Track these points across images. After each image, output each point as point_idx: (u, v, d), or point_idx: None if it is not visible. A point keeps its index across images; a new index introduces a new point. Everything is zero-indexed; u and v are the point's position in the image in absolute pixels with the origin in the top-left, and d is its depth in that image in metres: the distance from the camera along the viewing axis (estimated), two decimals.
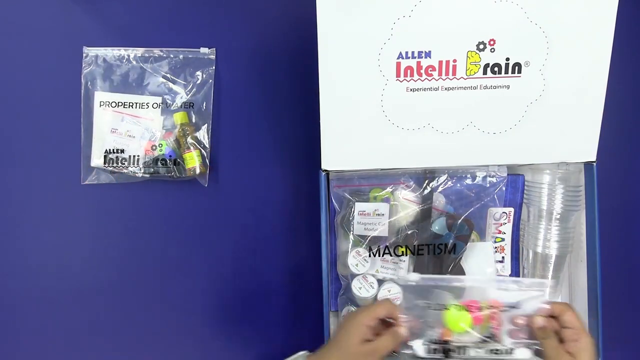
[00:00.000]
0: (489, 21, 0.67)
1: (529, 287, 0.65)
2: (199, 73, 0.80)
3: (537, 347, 0.65)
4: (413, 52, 0.68)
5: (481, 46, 0.68)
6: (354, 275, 0.76)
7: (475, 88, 0.69)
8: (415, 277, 0.66)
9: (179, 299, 0.82)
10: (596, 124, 0.72)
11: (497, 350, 0.65)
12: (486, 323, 0.65)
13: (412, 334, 0.65)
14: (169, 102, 0.80)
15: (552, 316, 0.63)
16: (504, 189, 0.77)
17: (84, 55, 0.79)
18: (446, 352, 0.65)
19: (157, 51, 0.80)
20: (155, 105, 0.80)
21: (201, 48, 0.81)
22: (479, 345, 0.65)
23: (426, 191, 0.76)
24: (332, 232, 0.78)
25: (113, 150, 0.79)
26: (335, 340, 0.64)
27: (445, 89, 0.69)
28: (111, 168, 0.79)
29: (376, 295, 0.75)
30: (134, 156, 0.78)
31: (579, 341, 0.61)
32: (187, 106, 0.80)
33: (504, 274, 0.79)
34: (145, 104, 0.79)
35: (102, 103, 0.79)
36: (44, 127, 0.80)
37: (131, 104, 0.79)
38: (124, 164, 0.78)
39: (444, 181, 0.77)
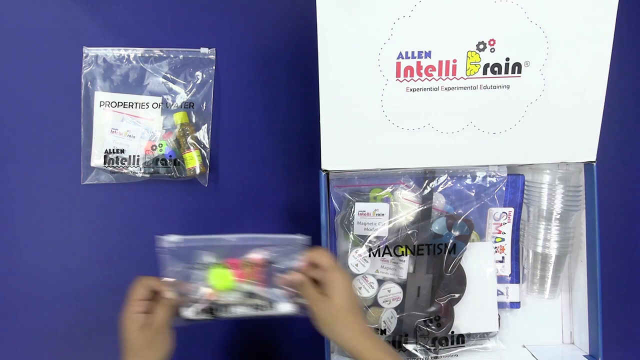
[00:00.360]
0: (489, 21, 0.67)
1: (283, 242, 0.67)
2: (199, 73, 0.80)
3: (299, 298, 0.67)
4: (413, 52, 0.68)
5: (481, 46, 0.68)
6: (354, 275, 0.76)
7: (475, 88, 0.69)
8: (175, 239, 0.66)
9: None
10: (596, 124, 0.72)
11: (259, 305, 0.67)
12: (248, 279, 0.67)
13: (184, 295, 0.66)
14: (169, 102, 0.80)
15: (314, 265, 0.66)
16: (504, 189, 0.78)
17: (84, 55, 0.79)
18: (213, 311, 0.67)
19: (157, 51, 0.80)
20: (155, 105, 0.80)
21: (201, 48, 0.81)
22: (243, 302, 0.67)
23: (426, 191, 0.76)
24: (332, 232, 0.78)
25: (113, 150, 0.78)
26: (124, 345, 0.64)
27: (445, 89, 0.69)
28: (111, 168, 0.79)
29: (376, 295, 0.75)
30: (134, 156, 0.78)
31: (333, 280, 0.63)
32: (187, 106, 0.80)
33: (504, 274, 0.80)
34: (145, 104, 0.79)
35: (102, 103, 0.79)
36: (44, 127, 0.80)
37: (131, 104, 0.79)
38: (124, 164, 0.78)
39: (444, 181, 0.77)
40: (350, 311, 0.62)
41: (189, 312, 0.67)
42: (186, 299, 0.67)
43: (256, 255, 0.67)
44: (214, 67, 0.81)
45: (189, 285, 0.67)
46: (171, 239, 0.66)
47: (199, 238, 0.67)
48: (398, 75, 0.69)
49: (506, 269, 0.80)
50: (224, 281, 0.67)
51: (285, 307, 0.68)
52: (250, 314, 0.68)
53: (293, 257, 0.67)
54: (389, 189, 0.77)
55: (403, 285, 0.76)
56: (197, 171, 0.79)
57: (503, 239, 0.79)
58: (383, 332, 0.75)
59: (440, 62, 0.68)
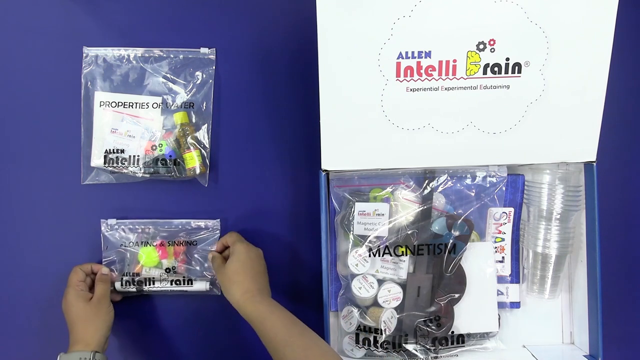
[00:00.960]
0: (489, 21, 0.67)
1: (202, 226, 0.80)
2: (199, 73, 0.80)
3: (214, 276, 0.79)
4: (413, 52, 0.68)
5: (481, 46, 0.68)
6: (354, 275, 0.76)
7: (475, 88, 0.69)
8: (113, 222, 0.79)
9: (178, 297, 0.82)
10: (596, 124, 0.72)
11: (178, 281, 0.79)
12: (171, 258, 0.79)
13: (116, 271, 0.79)
14: (169, 102, 0.80)
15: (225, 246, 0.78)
16: (504, 189, 0.78)
17: (84, 55, 0.79)
18: (139, 284, 0.78)
19: (157, 51, 0.80)
20: (155, 105, 0.80)
21: (201, 48, 0.81)
22: (165, 277, 0.79)
23: (426, 191, 0.76)
24: (332, 232, 0.78)
25: (113, 150, 0.78)
26: (71, 321, 0.72)
27: (445, 89, 0.69)
28: (111, 168, 0.79)
29: (376, 295, 0.75)
30: (134, 156, 0.78)
31: (233, 250, 0.74)
32: (187, 106, 0.80)
33: (504, 274, 0.80)
34: (145, 104, 0.79)
35: (102, 103, 0.79)
36: (44, 127, 0.80)
37: (131, 104, 0.79)
38: (124, 164, 0.78)
39: (444, 181, 0.77)
40: (240, 273, 0.71)
41: (118, 284, 0.79)
42: (118, 275, 0.79)
43: (180, 237, 0.80)
44: (214, 67, 0.81)
45: (116, 275, 0.79)
46: (109, 222, 0.80)
47: (134, 222, 0.80)
48: (398, 75, 0.69)
49: (506, 269, 0.80)
50: (150, 259, 0.79)
51: (201, 285, 0.79)
52: (170, 288, 0.79)
53: (210, 240, 0.80)
54: (389, 189, 0.77)
55: (403, 285, 0.76)
56: (197, 171, 0.79)
57: (503, 239, 0.79)
58: (383, 332, 0.75)
59: (440, 62, 0.68)
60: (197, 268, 0.80)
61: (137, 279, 0.79)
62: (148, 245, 0.79)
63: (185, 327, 0.83)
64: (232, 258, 0.73)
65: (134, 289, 0.79)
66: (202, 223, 0.80)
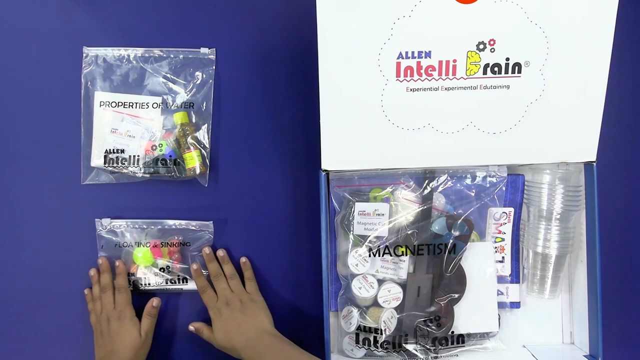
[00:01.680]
0: (489, 21, 0.67)
1: (196, 227, 0.81)
2: (199, 73, 0.80)
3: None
4: (413, 52, 0.68)
5: (481, 46, 0.68)
6: (354, 275, 0.76)
7: (475, 88, 0.69)
8: (107, 222, 0.80)
9: (177, 297, 0.82)
10: (596, 124, 0.72)
11: (172, 280, 0.80)
12: (165, 258, 0.80)
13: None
14: (169, 102, 0.80)
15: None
16: (504, 189, 0.78)
17: (84, 55, 0.79)
18: (134, 282, 0.80)
19: (157, 51, 0.80)
20: (155, 105, 0.80)
21: (201, 48, 0.81)
22: (159, 276, 0.80)
23: (426, 191, 0.76)
24: (332, 232, 0.79)
25: (113, 150, 0.78)
26: (123, 351, 0.75)
27: (445, 89, 0.69)
28: (111, 168, 0.79)
29: (376, 295, 0.75)
30: (134, 156, 0.78)
31: (211, 320, 0.77)
32: (187, 106, 0.80)
33: (504, 274, 0.80)
34: (145, 104, 0.79)
35: (102, 103, 0.79)
36: (44, 127, 0.80)
37: (131, 104, 0.79)
38: (124, 164, 0.78)
39: (444, 181, 0.77)
40: (227, 349, 0.75)
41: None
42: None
43: (173, 239, 0.81)
44: (214, 67, 0.81)
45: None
46: (103, 222, 0.80)
47: (128, 222, 0.80)
48: (398, 75, 0.69)
49: (506, 269, 0.80)
50: (145, 259, 0.80)
51: (194, 284, 0.80)
52: (165, 287, 0.80)
53: (204, 240, 0.81)
54: (389, 189, 0.77)
55: (403, 285, 0.76)
56: (197, 171, 0.79)
57: (503, 239, 0.79)
58: (383, 332, 0.75)
59: (440, 62, 0.68)
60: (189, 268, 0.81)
61: (132, 278, 0.80)
62: (143, 245, 0.80)
63: (180, 324, 0.83)
64: (214, 333, 0.77)
65: (130, 288, 0.80)
66: (195, 225, 0.81)
